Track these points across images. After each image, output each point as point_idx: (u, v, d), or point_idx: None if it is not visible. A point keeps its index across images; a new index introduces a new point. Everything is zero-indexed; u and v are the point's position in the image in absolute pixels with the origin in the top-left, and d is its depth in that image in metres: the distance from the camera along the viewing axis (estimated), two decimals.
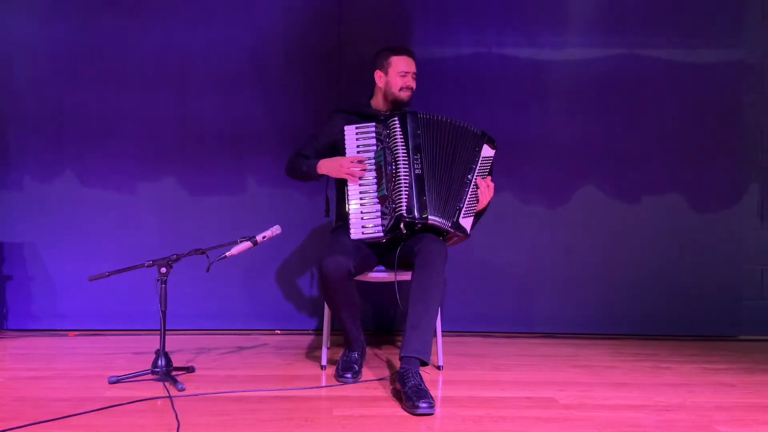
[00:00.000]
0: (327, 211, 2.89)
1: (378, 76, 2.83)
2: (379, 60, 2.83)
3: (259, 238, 2.61)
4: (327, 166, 2.70)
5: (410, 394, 2.22)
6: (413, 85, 2.80)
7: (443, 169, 2.64)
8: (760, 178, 3.59)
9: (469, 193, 2.65)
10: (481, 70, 3.53)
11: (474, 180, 2.66)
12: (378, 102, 2.86)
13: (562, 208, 3.56)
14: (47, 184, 3.45)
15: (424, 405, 2.18)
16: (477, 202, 2.68)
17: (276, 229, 2.65)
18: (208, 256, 2.55)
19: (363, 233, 2.61)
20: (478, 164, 2.68)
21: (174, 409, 2.18)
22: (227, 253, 2.58)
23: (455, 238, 2.70)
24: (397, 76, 2.78)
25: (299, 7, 3.49)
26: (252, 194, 3.49)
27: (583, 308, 3.56)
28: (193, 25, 3.46)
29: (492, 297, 3.55)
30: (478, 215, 2.72)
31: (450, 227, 2.61)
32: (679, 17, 3.55)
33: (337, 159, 2.68)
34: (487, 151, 2.71)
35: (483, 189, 2.67)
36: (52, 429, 2.02)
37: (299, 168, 2.78)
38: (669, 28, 3.56)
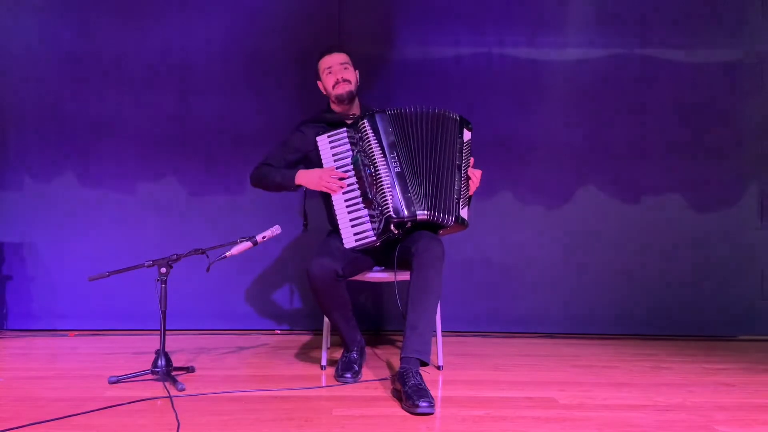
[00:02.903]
0: (305, 225, 2.85)
1: (320, 86, 2.86)
2: (316, 73, 2.86)
3: (259, 238, 2.61)
4: (305, 178, 2.67)
5: (410, 393, 2.22)
6: (343, 75, 2.76)
7: (425, 160, 2.60)
8: (760, 178, 3.59)
9: (461, 181, 2.62)
10: (481, 70, 3.53)
11: (463, 170, 2.63)
12: (335, 107, 2.85)
13: (562, 208, 3.56)
14: (47, 184, 3.45)
15: (424, 404, 2.18)
16: (467, 190, 2.67)
17: (276, 229, 2.65)
18: (208, 256, 2.55)
19: (356, 241, 2.58)
20: (464, 149, 2.66)
21: (174, 409, 2.18)
22: (227, 253, 2.58)
23: (455, 230, 2.69)
24: (326, 76, 2.79)
25: (299, 8, 3.49)
26: (252, 194, 3.48)
27: (583, 308, 3.56)
28: (192, 26, 3.47)
29: (492, 297, 3.55)
30: (469, 201, 2.70)
31: (453, 222, 2.58)
32: (679, 17, 3.55)
33: (317, 171, 2.66)
34: (466, 135, 2.69)
35: (475, 178, 2.66)
36: (52, 429, 2.02)
37: (272, 178, 2.73)
38: (669, 28, 3.56)
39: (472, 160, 2.70)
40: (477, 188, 2.71)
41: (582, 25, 3.55)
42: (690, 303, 3.56)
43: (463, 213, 2.63)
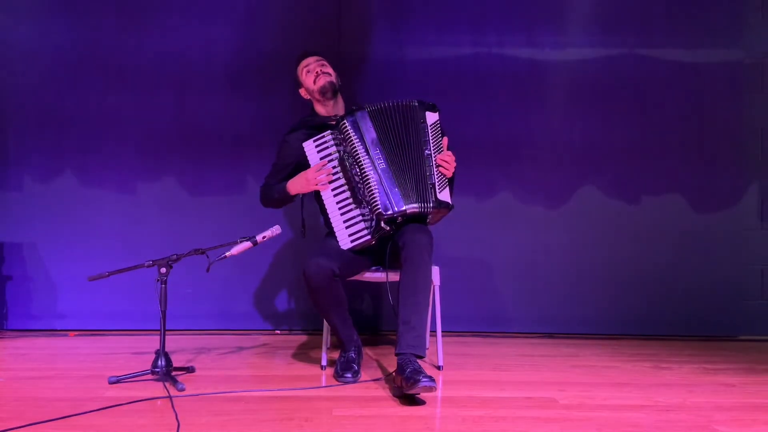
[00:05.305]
0: (303, 232, 2.86)
1: (302, 92, 2.88)
2: (295, 82, 2.89)
3: (259, 238, 2.61)
4: (296, 185, 2.71)
5: (410, 376, 2.25)
6: (322, 69, 2.80)
7: (404, 153, 2.61)
8: (760, 178, 3.59)
9: (434, 165, 2.62)
10: (481, 70, 3.53)
11: (433, 154, 2.63)
12: (320, 109, 2.86)
13: (562, 208, 3.56)
14: (47, 184, 3.45)
15: (425, 380, 2.21)
16: (444, 175, 2.66)
17: (276, 229, 2.65)
18: (208, 256, 2.55)
19: (351, 242, 2.59)
20: (429, 135, 2.65)
21: (174, 409, 2.17)
22: (227, 253, 2.58)
23: (440, 215, 2.69)
24: (305, 76, 2.82)
25: (299, 8, 3.49)
26: (252, 194, 3.46)
27: (583, 308, 3.56)
28: (192, 26, 3.47)
29: (492, 297, 3.55)
30: (451, 183, 2.69)
31: (432, 208, 2.58)
32: (679, 17, 3.55)
33: (302, 174, 2.69)
34: (431, 118, 2.69)
35: (446, 164, 2.64)
36: (52, 429, 2.01)
37: (272, 196, 2.80)
38: (669, 28, 3.56)
39: (445, 139, 2.69)
40: (456, 168, 2.68)
41: (582, 25, 3.55)
42: (690, 303, 3.56)
43: (443, 196, 2.62)
